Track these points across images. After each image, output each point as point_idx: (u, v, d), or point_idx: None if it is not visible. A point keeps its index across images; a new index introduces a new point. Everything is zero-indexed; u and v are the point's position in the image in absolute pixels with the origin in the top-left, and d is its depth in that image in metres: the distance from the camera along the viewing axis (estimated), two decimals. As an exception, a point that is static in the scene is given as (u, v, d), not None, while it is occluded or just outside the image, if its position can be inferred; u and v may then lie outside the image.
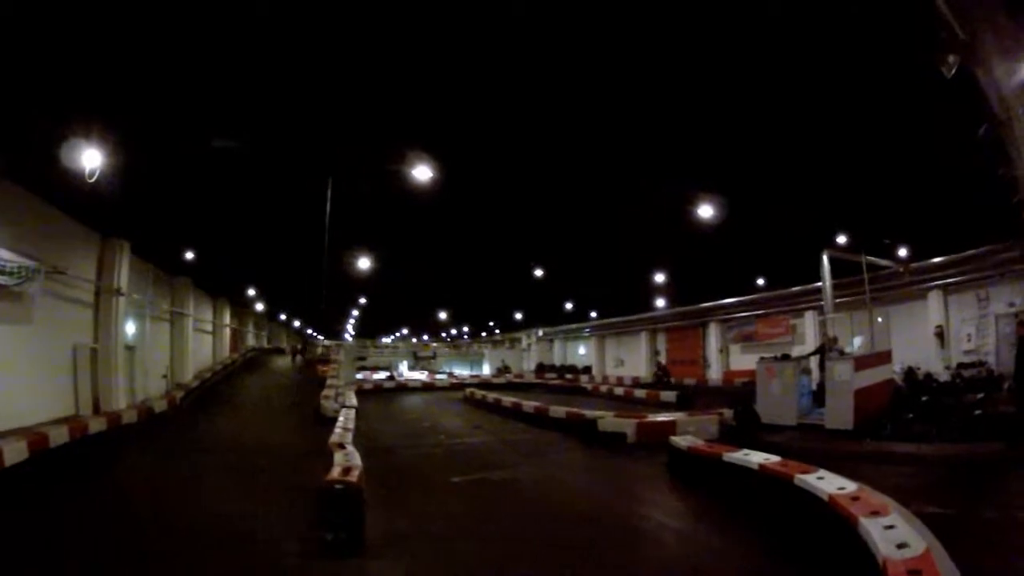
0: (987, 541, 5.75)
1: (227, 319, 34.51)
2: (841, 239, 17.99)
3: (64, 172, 10.49)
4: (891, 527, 4.68)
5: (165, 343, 23.39)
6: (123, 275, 17.07)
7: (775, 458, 7.81)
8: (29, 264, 11.44)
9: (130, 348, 18.21)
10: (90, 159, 10.00)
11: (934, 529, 4.63)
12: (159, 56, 8.72)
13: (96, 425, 13.72)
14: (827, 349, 13.70)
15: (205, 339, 30.06)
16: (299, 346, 44.36)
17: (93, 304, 16.04)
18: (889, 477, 8.09)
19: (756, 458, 7.91)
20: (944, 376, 17.49)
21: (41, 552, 6.51)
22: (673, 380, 29.71)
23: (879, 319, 20.38)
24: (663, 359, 34.43)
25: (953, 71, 6.90)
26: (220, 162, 12.02)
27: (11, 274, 10.82)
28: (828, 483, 6.21)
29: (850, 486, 5.98)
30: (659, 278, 25.02)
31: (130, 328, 18.51)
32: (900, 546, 4.27)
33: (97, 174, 10.11)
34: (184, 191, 13.85)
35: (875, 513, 5.03)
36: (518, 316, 43.80)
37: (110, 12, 7.56)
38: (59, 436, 11.68)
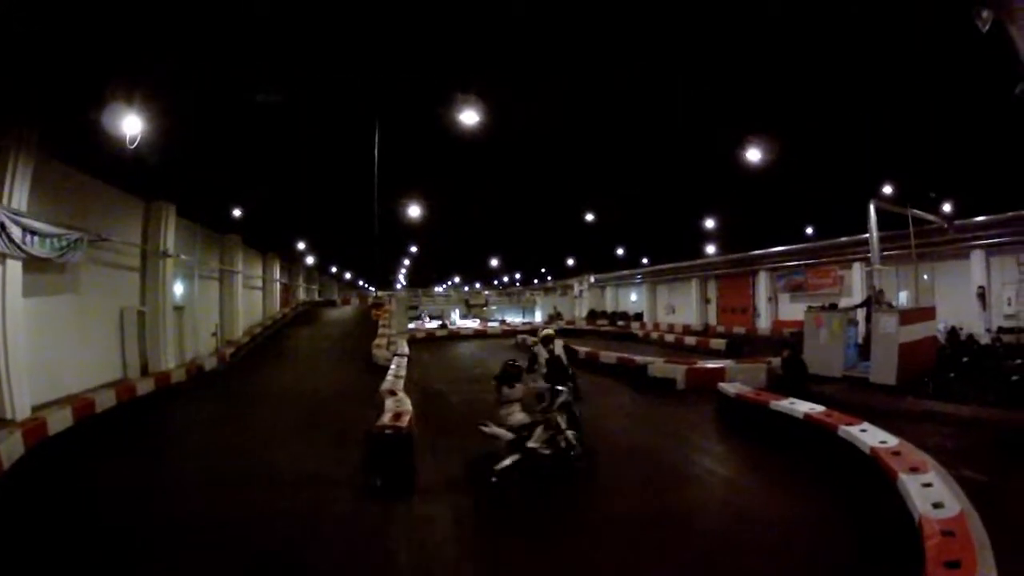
0: (1020, 510, 5.72)
1: (277, 274, 35.43)
2: (888, 190, 17.28)
3: (102, 141, 10.69)
4: (928, 485, 4.83)
5: (214, 301, 24.25)
6: (169, 237, 17.57)
7: (820, 408, 8.05)
8: (71, 235, 11.85)
9: (179, 308, 19.03)
10: (130, 126, 10.16)
11: (968, 492, 4.77)
12: (189, 10, 8.21)
13: (144, 386, 14.36)
14: (874, 301, 13.45)
15: (255, 295, 30.93)
16: None
17: (140, 268, 16.68)
18: (929, 436, 8.08)
19: (802, 407, 8.18)
20: (986, 339, 17.25)
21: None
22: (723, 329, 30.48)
23: (924, 276, 20.11)
24: (714, 305, 35.50)
25: (987, 27, 6.39)
26: (262, 116, 11.76)
27: (52, 247, 11.25)
28: (871, 436, 6.39)
29: (891, 441, 6.13)
30: (710, 224, 24.55)
31: (178, 288, 19.31)
32: (936, 505, 4.42)
33: (137, 140, 10.33)
34: (226, 149, 13.78)
35: (914, 470, 5.18)
36: (570, 262, 43.15)
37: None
38: (106, 400, 12.25)
